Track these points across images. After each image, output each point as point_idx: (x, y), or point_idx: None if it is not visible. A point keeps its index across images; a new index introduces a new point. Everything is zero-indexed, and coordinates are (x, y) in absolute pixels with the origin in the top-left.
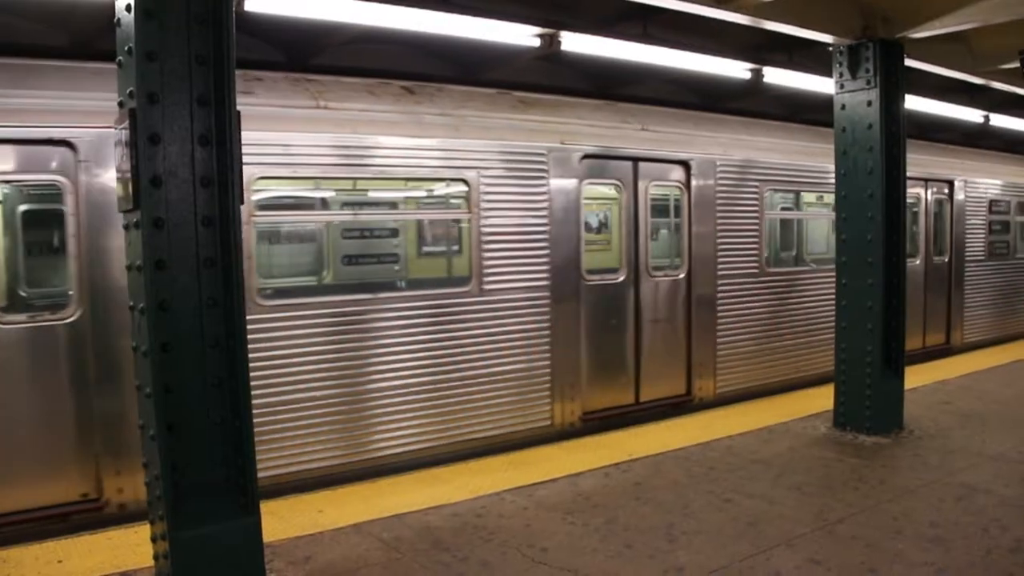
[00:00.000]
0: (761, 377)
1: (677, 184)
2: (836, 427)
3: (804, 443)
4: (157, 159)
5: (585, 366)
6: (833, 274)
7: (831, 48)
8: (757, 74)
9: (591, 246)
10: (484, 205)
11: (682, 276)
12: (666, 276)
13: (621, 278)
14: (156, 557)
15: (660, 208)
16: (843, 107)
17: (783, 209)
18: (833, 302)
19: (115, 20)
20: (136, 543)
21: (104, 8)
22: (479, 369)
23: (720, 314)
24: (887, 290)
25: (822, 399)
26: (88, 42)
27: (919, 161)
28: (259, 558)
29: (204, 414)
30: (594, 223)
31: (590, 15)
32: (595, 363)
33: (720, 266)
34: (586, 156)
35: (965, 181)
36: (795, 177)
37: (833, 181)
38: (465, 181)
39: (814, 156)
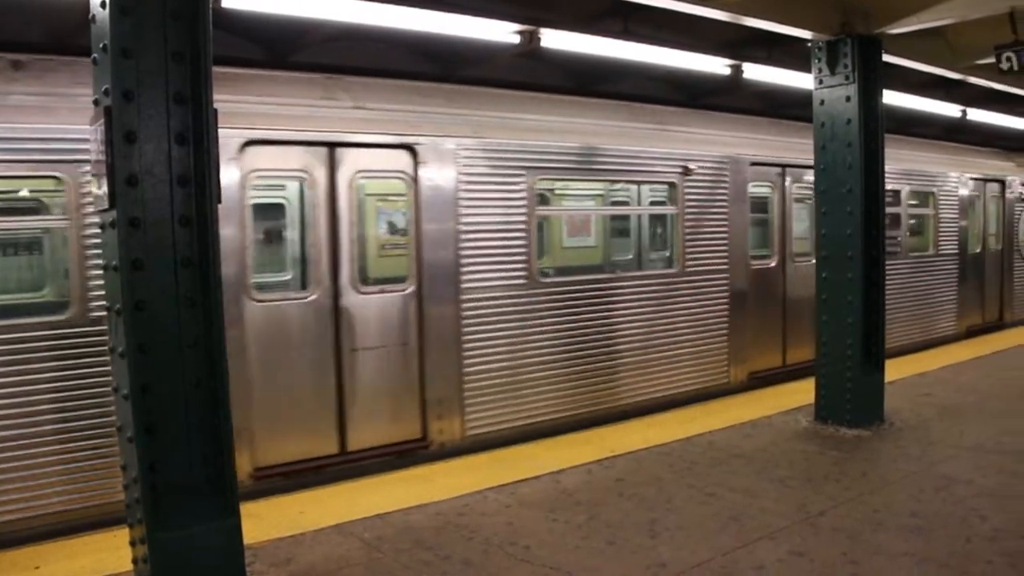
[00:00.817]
0: (541, 412)
1: (398, 174)
2: (817, 420)
3: (786, 437)
4: (133, 158)
5: (258, 407)
6: (659, 280)
7: (810, 44)
8: (737, 70)
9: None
10: None
11: (410, 291)
12: (384, 292)
13: (312, 297)
14: (135, 561)
15: (377, 205)
16: (822, 103)
17: (574, 204)
18: (664, 312)
19: (90, 16)
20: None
21: None
22: None
23: (467, 338)
24: (866, 284)
25: (804, 393)
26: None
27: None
28: (240, 560)
29: (183, 415)
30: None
31: (571, 12)
32: (272, 404)
33: (465, 278)
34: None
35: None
36: (580, 164)
37: (649, 169)
38: None
39: (621, 137)
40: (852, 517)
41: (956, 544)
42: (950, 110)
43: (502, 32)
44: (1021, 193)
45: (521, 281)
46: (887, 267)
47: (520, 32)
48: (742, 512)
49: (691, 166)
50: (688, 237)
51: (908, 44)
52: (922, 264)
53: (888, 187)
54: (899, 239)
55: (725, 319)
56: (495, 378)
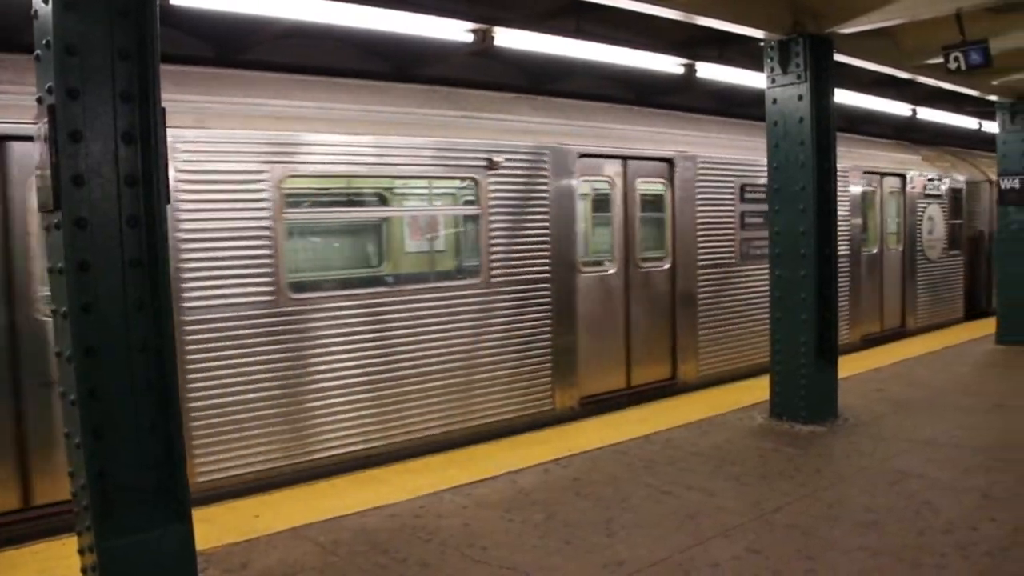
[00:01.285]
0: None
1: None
2: (772, 417)
3: (741, 434)
4: (79, 157)
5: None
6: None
7: (762, 43)
8: (690, 69)
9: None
10: None
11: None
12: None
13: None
14: (84, 570)
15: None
16: (774, 101)
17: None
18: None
19: (32, 12)
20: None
21: None
22: None
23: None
24: (820, 281)
25: (760, 390)
26: None
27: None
28: (192, 566)
29: (133, 419)
30: None
31: (524, 11)
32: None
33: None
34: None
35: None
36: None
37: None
38: None
39: (409, 127)
40: (807, 513)
41: (909, 537)
42: (901, 109)
43: (456, 31)
44: (926, 187)
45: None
46: (755, 274)
47: (474, 31)
48: (698, 510)
49: (497, 159)
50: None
51: (859, 44)
52: None
53: (759, 181)
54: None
55: (548, 337)
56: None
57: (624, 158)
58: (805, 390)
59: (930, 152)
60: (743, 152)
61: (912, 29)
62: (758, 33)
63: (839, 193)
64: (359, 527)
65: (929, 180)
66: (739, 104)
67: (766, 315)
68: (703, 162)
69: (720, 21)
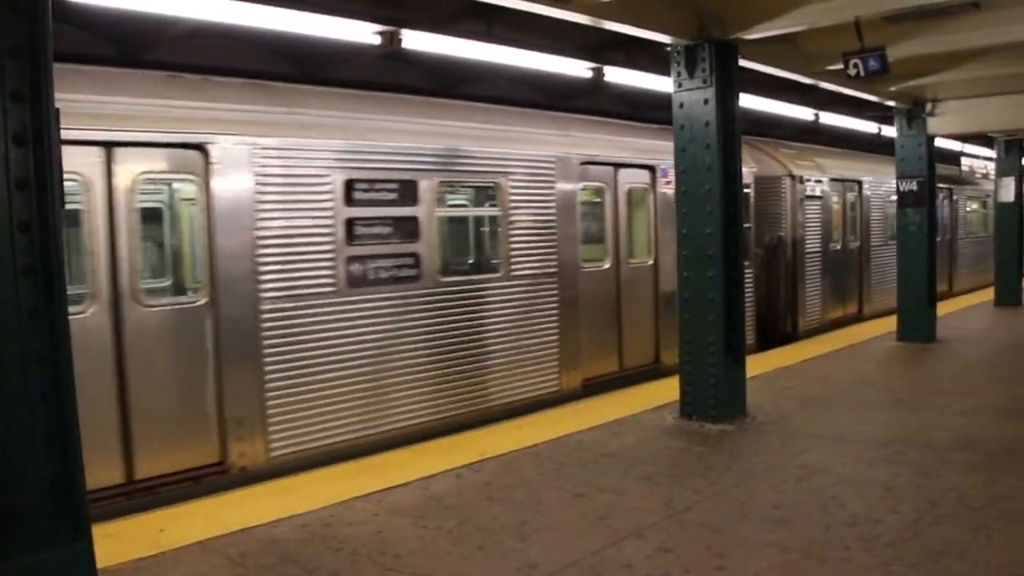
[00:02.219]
0: None
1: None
2: (683, 417)
3: (653, 434)
4: None
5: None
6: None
7: (669, 48)
8: (598, 73)
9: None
10: None
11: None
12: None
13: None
14: None
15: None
16: (681, 105)
17: None
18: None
19: None
20: None
21: None
22: None
23: None
24: (727, 282)
25: (671, 390)
26: None
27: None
28: None
29: (27, 433)
30: None
31: (433, 13)
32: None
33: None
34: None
35: None
36: None
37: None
38: None
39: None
40: (717, 511)
41: (816, 532)
42: (804, 113)
43: (363, 33)
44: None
45: None
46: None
47: (381, 33)
48: (610, 511)
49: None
50: None
51: (763, 49)
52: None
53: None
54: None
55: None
56: None
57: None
58: (714, 389)
59: None
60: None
61: (814, 36)
62: (665, 38)
63: (540, 193)
64: (269, 538)
65: None
66: (647, 108)
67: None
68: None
69: (627, 26)
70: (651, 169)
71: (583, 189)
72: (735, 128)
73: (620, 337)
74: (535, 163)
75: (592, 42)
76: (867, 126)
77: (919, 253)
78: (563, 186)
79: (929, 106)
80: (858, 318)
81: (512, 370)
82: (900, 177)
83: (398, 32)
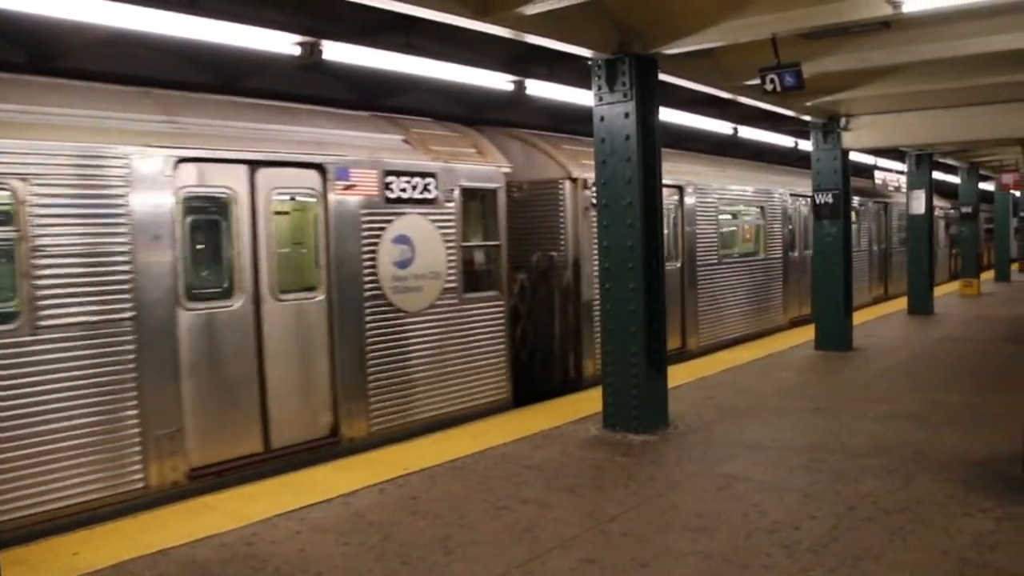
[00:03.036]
0: None
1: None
2: (606, 428)
3: (576, 446)
4: None
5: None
6: None
7: (590, 62)
8: (520, 86)
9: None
10: None
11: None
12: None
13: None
14: None
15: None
16: (602, 119)
17: None
18: None
19: None
20: None
21: None
22: None
23: None
24: (648, 294)
25: (594, 402)
26: None
27: None
28: None
29: None
30: None
31: (353, 24)
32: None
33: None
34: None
35: None
36: None
37: None
38: None
39: None
40: (641, 521)
41: (738, 539)
42: (723, 127)
43: (282, 43)
44: (389, 189)
45: None
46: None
47: (301, 44)
48: (535, 523)
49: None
50: None
51: (683, 64)
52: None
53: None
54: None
55: None
56: None
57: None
58: (637, 400)
59: (434, 127)
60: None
61: (732, 52)
62: (586, 52)
63: (93, 206)
64: (188, 559)
65: (395, 178)
66: (569, 121)
67: None
68: None
69: (549, 40)
70: (320, 169)
71: (189, 198)
72: (655, 141)
73: (264, 405)
74: (72, 162)
75: (514, 55)
76: (784, 140)
77: (835, 263)
78: (142, 197)
79: (843, 121)
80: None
81: None
82: (817, 190)
83: (318, 43)
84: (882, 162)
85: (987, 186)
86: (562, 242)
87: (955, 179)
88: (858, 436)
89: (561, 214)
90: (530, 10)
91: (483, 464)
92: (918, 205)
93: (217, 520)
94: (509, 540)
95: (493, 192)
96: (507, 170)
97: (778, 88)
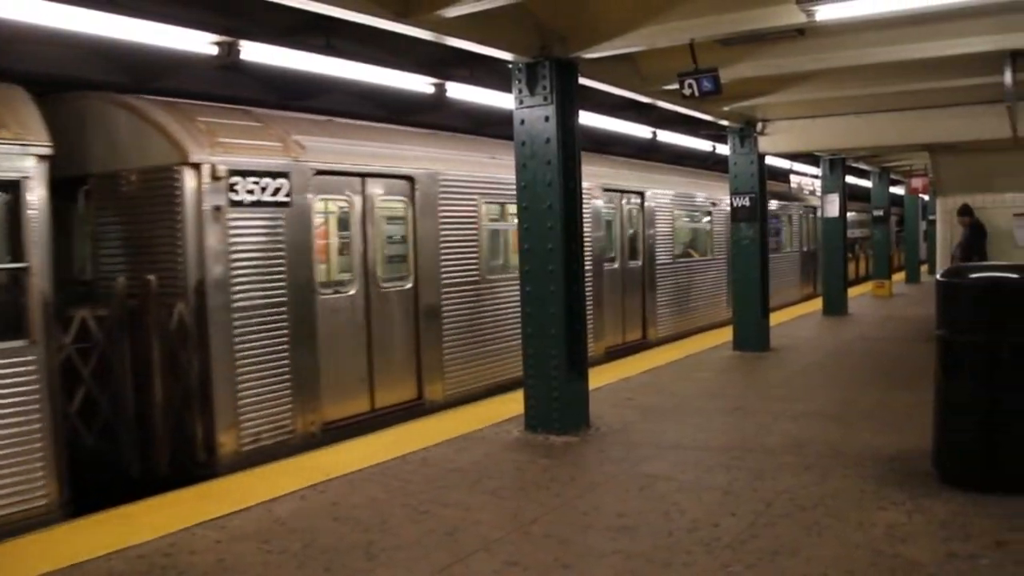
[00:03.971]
0: None
1: None
2: (528, 430)
3: (498, 448)
4: None
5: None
6: None
7: (511, 65)
8: (440, 88)
9: None
10: None
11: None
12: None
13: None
14: None
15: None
16: (522, 122)
17: None
18: None
19: None
20: None
21: None
22: None
23: None
24: (568, 296)
25: (516, 404)
26: None
27: None
28: None
29: None
30: None
31: (272, 25)
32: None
33: None
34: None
35: None
36: None
37: None
38: None
39: None
40: (563, 522)
41: (660, 539)
42: (643, 131)
43: (199, 42)
44: None
45: None
46: None
47: (218, 43)
48: (457, 527)
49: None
50: None
51: (603, 68)
52: None
53: None
54: None
55: None
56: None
57: None
58: (558, 402)
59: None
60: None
61: (652, 57)
62: (507, 55)
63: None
64: (103, 573)
65: None
66: (490, 124)
67: None
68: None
69: (470, 43)
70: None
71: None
72: (575, 145)
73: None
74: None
75: (435, 58)
76: (702, 144)
77: (753, 265)
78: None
79: (760, 126)
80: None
81: None
82: (734, 193)
83: (236, 43)
84: (798, 166)
85: (897, 190)
86: (179, 259)
87: (868, 183)
88: (775, 434)
89: (177, 217)
90: (451, 12)
91: (405, 468)
92: (832, 208)
93: (134, 531)
94: (432, 544)
95: (15, 185)
96: (43, 151)
97: (696, 93)
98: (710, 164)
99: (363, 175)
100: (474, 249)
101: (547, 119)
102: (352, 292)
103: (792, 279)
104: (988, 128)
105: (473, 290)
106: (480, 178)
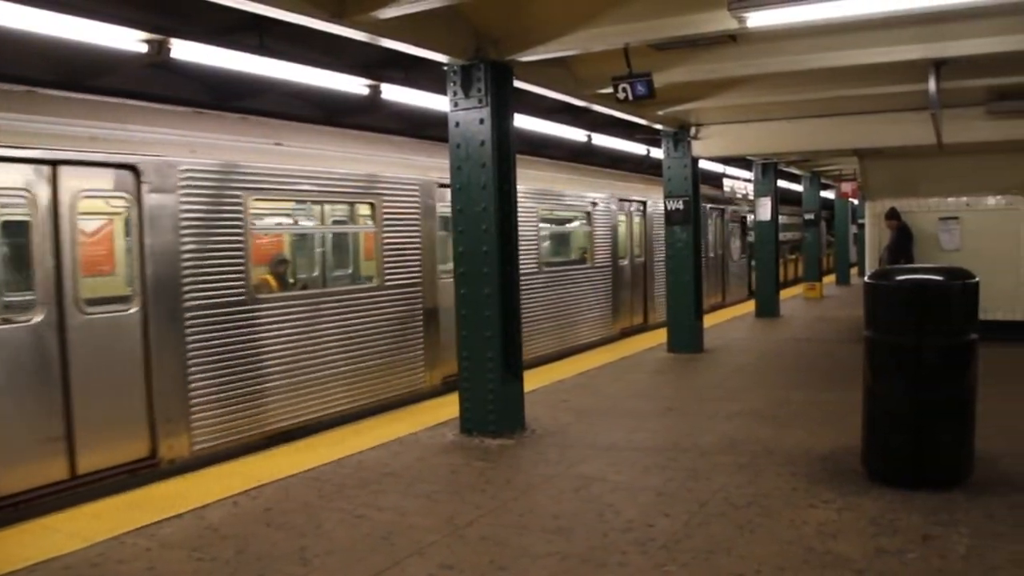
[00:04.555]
0: None
1: None
2: (463, 433)
3: (433, 451)
4: None
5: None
6: None
7: (446, 67)
8: (375, 90)
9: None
10: None
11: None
12: None
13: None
14: None
15: None
16: (457, 124)
17: None
18: None
19: None
20: None
21: None
22: None
23: None
24: (503, 298)
25: (451, 407)
26: None
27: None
28: None
29: None
30: None
31: (205, 23)
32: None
33: None
34: None
35: None
36: None
37: None
38: None
39: None
40: (498, 524)
41: (595, 539)
42: (578, 135)
43: (128, 40)
44: None
45: None
46: None
47: (148, 41)
48: (392, 531)
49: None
50: None
51: (538, 71)
52: None
53: None
54: None
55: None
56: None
57: None
58: (493, 404)
59: None
60: None
61: (586, 61)
62: (442, 57)
63: None
64: None
65: None
66: (426, 126)
67: None
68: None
69: (405, 44)
70: None
71: None
72: (510, 147)
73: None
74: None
75: (373, 59)
76: (637, 148)
77: (687, 268)
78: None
79: (693, 130)
80: (643, 328)
81: None
82: (668, 196)
83: (167, 41)
84: (731, 170)
85: (828, 194)
86: None
87: (799, 187)
88: (709, 435)
89: None
90: (386, 14)
91: (340, 473)
92: (764, 212)
93: (60, 541)
94: (367, 548)
95: None
96: None
97: (630, 97)
98: (645, 168)
99: (54, 163)
100: (239, 259)
101: (482, 121)
102: (36, 320)
103: (731, 279)
104: (914, 135)
105: (242, 312)
106: (254, 170)
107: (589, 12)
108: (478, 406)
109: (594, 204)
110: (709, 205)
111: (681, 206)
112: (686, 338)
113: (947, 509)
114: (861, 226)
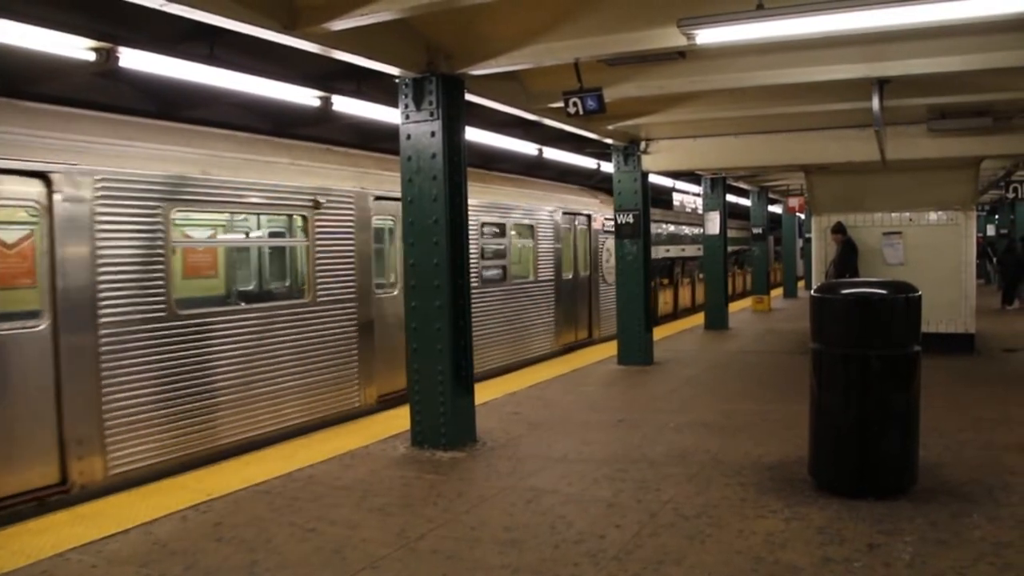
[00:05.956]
0: None
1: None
2: (415, 446)
3: (384, 465)
4: None
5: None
6: None
7: (397, 80)
8: (326, 102)
9: None
10: None
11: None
12: None
13: None
14: None
15: None
16: (409, 137)
17: None
18: None
19: None
20: None
21: None
22: None
23: None
24: (454, 311)
25: (402, 420)
26: None
27: None
28: None
29: None
30: None
31: (154, 32)
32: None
33: None
34: None
35: None
36: None
37: None
38: None
39: None
40: (450, 537)
41: (546, 551)
42: (529, 148)
43: (74, 47)
44: None
45: None
46: None
47: (96, 49)
48: (343, 545)
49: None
50: None
51: (489, 85)
52: None
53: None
54: None
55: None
56: None
57: None
58: (444, 417)
59: None
60: None
61: (538, 75)
62: (394, 70)
63: None
64: None
65: None
66: (377, 138)
67: None
68: None
69: (357, 57)
70: None
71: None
72: (461, 160)
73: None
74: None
75: (325, 71)
76: (588, 162)
77: (636, 281)
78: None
79: (643, 144)
80: (588, 343)
81: None
82: (618, 210)
83: (115, 50)
84: (680, 185)
85: (776, 208)
86: None
87: (747, 202)
88: (659, 446)
89: None
90: (338, 26)
91: (291, 487)
92: (713, 226)
93: (3, 559)
94: (318, 563)
95: None
96: None
97: (581, 111)
98: (596, 181)
99: None
100: (159, 273)
101: (433, 134)
102: (586, 274)
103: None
104: (859, 151)
105: (163, 328)
106: (176, 180)
107: (541, 27)
108: (429, 419)
109: (537, 218)
110: (563, 210)
111: (631, 220)
112: (636, 350)
113: (892, 518)
114: (808, 240)
